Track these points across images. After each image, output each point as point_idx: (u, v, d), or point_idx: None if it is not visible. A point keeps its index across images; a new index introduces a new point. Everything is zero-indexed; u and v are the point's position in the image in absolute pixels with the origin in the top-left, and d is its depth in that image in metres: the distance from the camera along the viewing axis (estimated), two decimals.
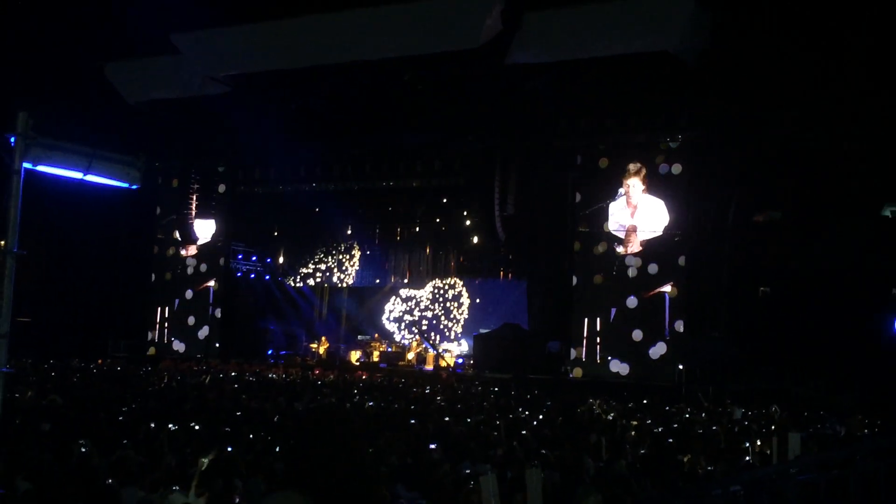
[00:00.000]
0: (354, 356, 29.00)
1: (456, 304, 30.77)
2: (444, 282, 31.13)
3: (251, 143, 27.35)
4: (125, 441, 8.40)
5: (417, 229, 31.20)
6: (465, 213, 28.60)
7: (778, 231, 23.38)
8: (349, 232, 32.48)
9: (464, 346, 29.48)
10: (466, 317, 30.64)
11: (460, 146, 26.05)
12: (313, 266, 33.30)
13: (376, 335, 30.42)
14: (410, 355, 28.32)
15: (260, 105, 25.62)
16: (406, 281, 32.13)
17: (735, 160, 23.03)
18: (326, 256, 33.15)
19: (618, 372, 23.38)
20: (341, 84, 23.32)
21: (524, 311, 26.80)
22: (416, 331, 30.36)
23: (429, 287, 31.34)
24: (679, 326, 22.98)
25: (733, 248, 23.77)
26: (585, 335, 24.07)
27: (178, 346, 29.84)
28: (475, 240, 29.16)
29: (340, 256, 32.91)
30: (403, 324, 31.44)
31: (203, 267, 30.05)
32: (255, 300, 31.39)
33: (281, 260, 33.61)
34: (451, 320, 30.71)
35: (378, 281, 32.77)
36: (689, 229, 23.35)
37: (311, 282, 33.48)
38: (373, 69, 22.72)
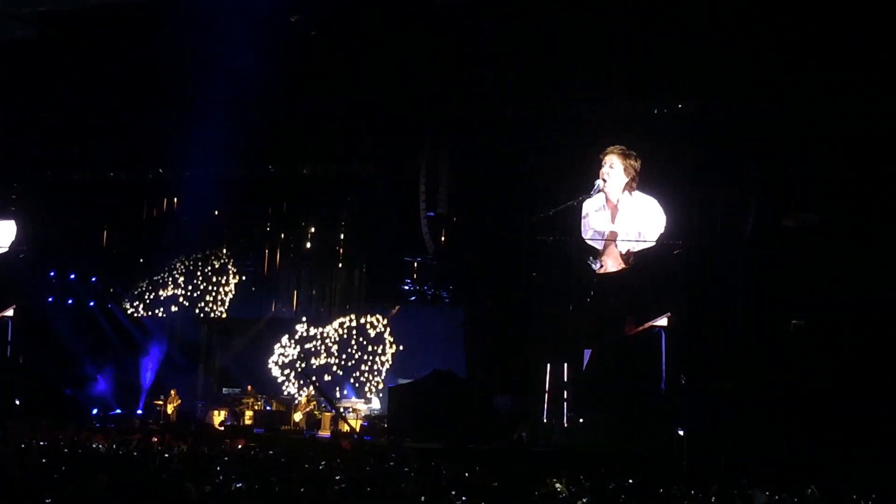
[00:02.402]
0: (218, 418, 27.71)
1: (379, 348, 29.62)
2: (362, 318, 29.91)
3: (67, 109, 26.52)
4: None
5: (309, 235, 29.99)
6: (378, 213, 27.68)
7: (815, 240, 23.36)
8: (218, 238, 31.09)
9: (374, 403, 28.47)
10: (390, 364, 29.68)
11: (372, 119, 25.57)
12: (172, 290, 31.61)
13: (249, 387, 28.87)
14: (298, 416, 27.22)
15: (78, 55, 25.45)
16: (294, 310, 30.83)
17: (758, 141, 22.58)
18: (189, 277, 31.57)
19: (593, 438, 22.82)
20: (192, 23, 22.69)
21: (460, 351, 26.40)
22: (313, 380, 29.11)
23: (336, 323, 30.05)
24: (679, 374, 22.54)
25: (754, 263, 23.54)
26: (548, 387, 23.51)
27: None
28: (392, 251, 28.27)
29: (214, 278, 31.53)
30: (294, 371, 30.00)
31: None
32: (74, 336, 30.09)
33: (111, 280, 31.91)
34: (371, 371, 29.59)
35: (252, 312, 31.35)
36: (692, 238, 22.83)
37: (159, 311, 31.54)
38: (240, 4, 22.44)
